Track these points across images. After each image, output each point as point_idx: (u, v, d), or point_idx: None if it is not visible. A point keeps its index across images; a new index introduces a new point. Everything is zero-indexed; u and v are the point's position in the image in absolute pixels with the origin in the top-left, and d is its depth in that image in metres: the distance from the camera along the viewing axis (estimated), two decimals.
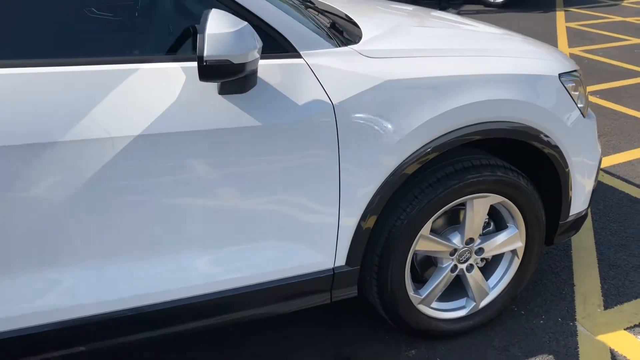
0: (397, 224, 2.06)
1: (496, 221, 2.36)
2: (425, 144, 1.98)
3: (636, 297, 2.67)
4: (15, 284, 1.67)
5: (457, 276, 2.33)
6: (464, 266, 2.30)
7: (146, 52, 1.83)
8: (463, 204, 2.20)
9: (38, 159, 1.56)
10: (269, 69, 1.78)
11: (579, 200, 2.44)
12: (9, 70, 1.55)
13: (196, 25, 1.77)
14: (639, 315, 2.55)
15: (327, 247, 1.99)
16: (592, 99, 5.31)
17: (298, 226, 1.92)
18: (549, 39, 7.74)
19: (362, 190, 1.94)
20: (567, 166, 2.29)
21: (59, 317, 1.73)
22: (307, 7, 2.35)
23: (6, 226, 1.61)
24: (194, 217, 1.79)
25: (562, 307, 2.60)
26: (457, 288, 2.37)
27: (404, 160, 1.96)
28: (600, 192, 3.61)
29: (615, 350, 2.36)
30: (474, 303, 2.37)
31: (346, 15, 2.48)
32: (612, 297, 2.68)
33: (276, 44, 1.82)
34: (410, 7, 3.30)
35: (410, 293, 2.22)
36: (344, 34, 2.15)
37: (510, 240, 2.33)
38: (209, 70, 1.55)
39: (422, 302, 2.26)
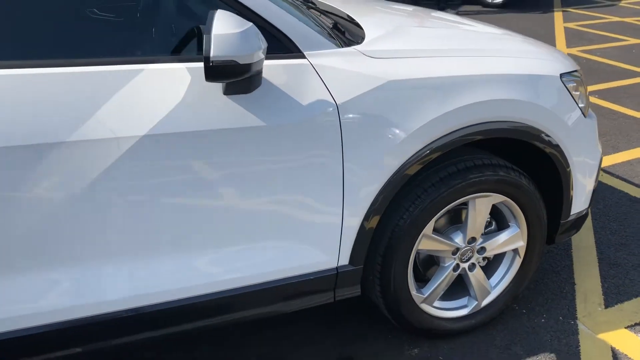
0: (400, 223, 2.07)
1: (498, 220, 2.38)
2: (428, 144, 1.99)
3: (636, 296, 2.69)
4: (18, 284, 1.68)
5: (459, 275, 2.34)
6: (466, 265, 2.31)
7: (151, 52, 1.84)
8: (465, 204, 2.21)
9: (45, 159, 1.56)
10: (273, 69, 1.79)
11: (580, 200, 2.46)
12: (16, 71, 1.56)
13: (200, 26, 1.79)
14: None
15: (330, 246, 2.00)
16: (590, 99, 5.32)
17: (302, 226, 1.93)
18: (547, 39, 7.75)
19: (366, 190, 1.96)
20: (568, 166, 2.30)
21: (62, 317, 1.73)
22: (309, 7, 2.36)
23: (11, 225, 1.61)
24: (198, 217, 1.80)
25: (563, 306, 2.62)
26: (459, 287, 2.38)
27: (407, 160, 1.97)
28: (600, 191, 3.62)
29: (617, 348, 2.37)
30: (476, 302, 2.38)
31: (348, 15, 2.49)
32: (613, 295, 2.69)
33: (280, 45, 1.83)
34: (410, 8, 3.31)
35: (413, 292, 2.24)
36: (347, 35, 2.16)
37: (512, 240, 2.34)
38: (215, 71, 1.56)
39: (424, 301, 2.28)
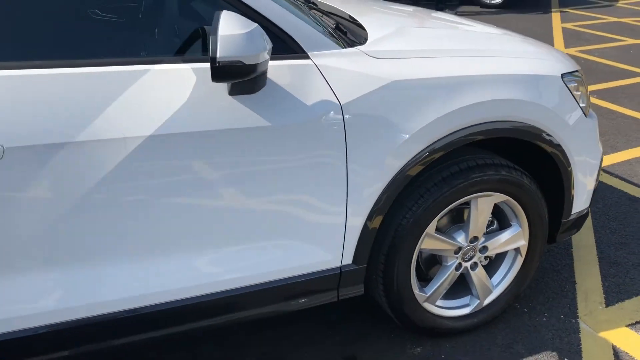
0: (403, 222, 2.08)
1: (499, 220, 2.39)
2: (431, 144, 2.01)
3: (637, 294, 2.71)
4: (22, 284, 1.68)
5: (462, 274, 2.35)
6: (468, 264, 2.33)
7: (158, 53, 1.85)
8: (467, 203, 2.22)
9: (53, 158, 1.57)
10: (277, 69, 1.80)
11: (581, 199, 2.47)
12: (27, 72, 1.57)
13: (205, 26, 1.80)
14: None
15: (334, 245, 2.01)
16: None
17: (306, 225, 1.94)
18: (545, 39, 7.77)
19: (369, 189, 1.97)
20: (569, 165, 2.32)
21: (66, 317, 1.74)
22: (310, 8, 2.38)
23: (17, 225, 1.62)
24: (203, 217, 1.81)
25: (564, 305, 2.63)
26: (461, 286, 2.39)
27: (410, 160, 1.99)
28: (599, 191, 3.64)
29: (618, 346, 2.39)
30: (478, 301, 2.39)
31: (350, 16, 2.50)
32: (613, 294, 2.71)
33: (284, 45, 1.84)
34: (410, 8, 3.33)
35: (416, 291, 2.25)
36: (350, 35, 2.17)
37: (513, 239, 2.36)
38: (221, 71, 1.57)
39: (427, 300, 2.29)
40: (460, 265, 2.31)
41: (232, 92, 1.71)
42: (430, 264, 2.36)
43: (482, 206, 2.22)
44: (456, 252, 2.28)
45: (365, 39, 2.14)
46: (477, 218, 2.23)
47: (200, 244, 1.85)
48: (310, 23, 1.97)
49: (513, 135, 2.17)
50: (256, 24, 1.63)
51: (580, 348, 2.38)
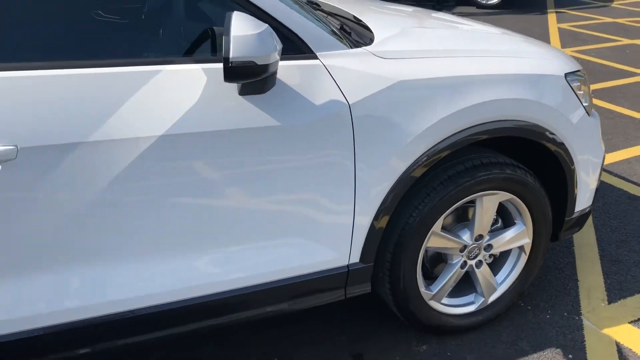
0: (410, 221, 2.10)
1: (504, 218, 2.41)
2: (437, 143, 2.02)
3: (639, 292, 2.73)
4: (35, 285, 1.69)
5: (466, 272, 2.37)
6: (473, 262, 2.35)
7: (169, 54, 1.86)
8: (472, 202, 2.24)
9: (65, 159, 1.58)
10: (286, 70, 1.81)
11: (584, 197, 2.50)
12: (39, 72, 1.58)
13: (214, 27, 1.82)
14: None
15: (342, 244, 2.03)
16: None
17: (315, 224, 1.95)
18: (542, 39, 7.75)
19: (377, 188, 1.99)
20: (572, 163, 2.34)
21: (73, 318, 1.75)
22: (315, 9, 2.39)
23: (31, 225, 1.63)
24: (213, 216, 1.82)
25: (567, 302, 2.66)
26: (466, 284, 2.41)
27: (416, 159, 2.00)
28: (600, 189, 3.66)
29: (621, 343, 2.41)
30: (483, 299, 2.41)
31: (354, 16, 2.52)
32: (616, 291, 2.73)
33: (293, 46, 1.85)
34: (409, 9, 3.35)
35: (422, 289, 2.27)
36: (355, 36, 2.19)
37: (518, 237, 2.38)
38: (234, 72, 1.58)
39: (433, 298, 2.31)
40: (465, 263, 2.33)
41: (242, 92, 1.73)
42: (436, 262, 2.39)
43: (487, 204, 2.24)
44: (461, 250, 2.30)
45: (371, 39, 2.16)
46: (482, 216, 2.26)
47: (210, 243, 1.86)
48: (317, 24, 1.98)
49: (518, 135, 2.19)
50: (267, 25, 1.65)
51: (584, 345, 2.40)
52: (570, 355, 2.35)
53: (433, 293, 2.30)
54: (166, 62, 1.72)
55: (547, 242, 2.47)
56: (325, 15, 2.39)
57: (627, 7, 10.92)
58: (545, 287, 2.75)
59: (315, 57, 1.88)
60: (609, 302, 2.66)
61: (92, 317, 1.77)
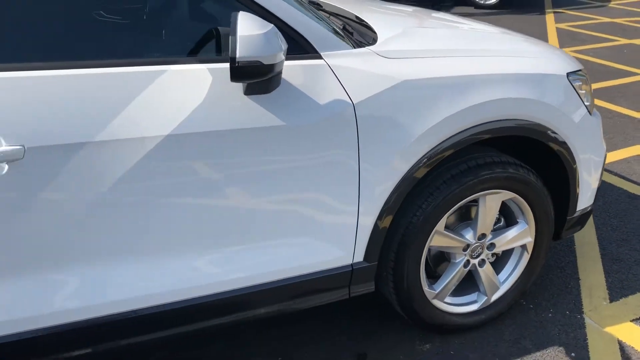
0: (414, 220, 2.11)
1: (506, 217, 2.42)
2: (441, 142, 2.03)
3: None
4: (39, 285, 1.70)
5: (469, 271, 2.38)
6: (476, 261, 2.36)
7: (174, 54, 1.86)
8: (475, 201, 2.25)
9: (71, 159, 1.59)
10: (291, 69, 1.82)
11: (585, 196, 2.51)
12: (45, 73, 1.58)
13: (219, 27, 1.82)
14: None
15: (346, 243, 2.03)
16: None
17: (319, 223, 1.96)
18: (541, 39, 7.82)
19: (381, 187, 1.99)
20: (574, 162, 2.36)
21: (79, 317, 1.75)
22: (318, 9, 2.40)
23: (38, 224, 1.63)
24: (218, 215, 1.83)
25: (569, 301, 2.67)
26: (468, 283, 2.42)
27: (420, 158, 2.01)
28: (599, 189, 3.68)
29: (623, 341, 2.42)
30: (486, 297, 2.42)
31: (356, 16, 2.53)
32: (617, 290, 2.75)
33: (297, 46, 1.86)
34: (409, 9, 3.36)
35: (425, 288, 2.28)
36: (359, 36, 2.20)
37: (520, 236, 2.39)
38: (240, 71, 1.59)
39: (436, 296, 2.32)
40: (468, 262, 2.34)
41: (248, 92, 1.74)
42: (439, 261, 2.39)
43: (490, 203, 2.25)
44: (464, 249, 2.31)
45: (374, 39, 2.17)
46: (485, 215, 2.27)
47: (215, 243, 1.86)
48: (321, 23, 1.99)
49: (521, 134, 2.20)
50: (272, 25, 1.65)
51: (587, 343, 2.41)
52: (572, 354, 2.36)
53: (436, 292, 2.31)
54: (172, 62, 1.73)
55: (550, 240, 2.48)
56: (328, 15, 2.40)
57: (625, 7, 10.94)
58: (547, 285, 2.76)
59: (320, 57, 1.89)
60: (611, 301, 2.67)
61: (97, 317, 1.77)
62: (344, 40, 1.99)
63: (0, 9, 1.66)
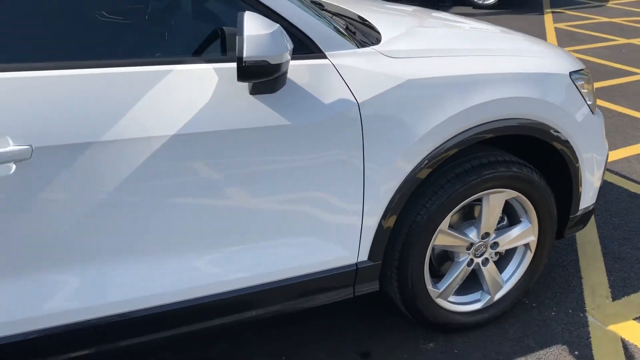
0: (418, 219, 2.11)
1: (509, 216, 2.43)
2: (445, 142, 2.04)
3: None
4: (44, 285, 1.70)
5: (473, 270, 2.39)
6: (479, 260, 2.36)
7: (180, 54, 1.87)
8: (478, 200, 2.26)
9: (79, 158, 1.59)
10: (296, 69, 1.82)
11: (588, 195, 2.52)
12: (52, 73, 1.59)
13: (224, 27, 1.83)
14: None
15: (351, 242, 2.04)
16: None
17: (324, 222, 1.97)
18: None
19: (385, 186, 2.00)
20: (577, 161, 2.36)
21: (88, 316, 1.76)
22: (321, 9, 2.41)
23: (45, 224, 1.64)
24: (225, 214, 1.83)
25: (572, 299, 2.67)
26: (472, 282, 2.43)
27: (424, 157, 2.02)
28: (601, 188, 3.69)
29: (626, 339, 2.43)
30: (489, 296, 2.43)
31: (359, 16, 2.54)
32: (619, 288, 2.76)
33: (302, 45, 1.86)
34: (409, 8, 3.36)
35: (429, 287, 2.28)
36: (362, 36, 2.20)
37: (524, 234, 2.40)
38: (247, 71, 1.59)
39: (440, 295, 2.32)
40: (472, 261, 2.35)
41: (253, 91, 1.74)
42: (442, 260, 2.40)
43: (493, 202, 2.26)
44: (468, 248, 2.32)
45: (377, 39, 2.18)
46: (488, 214, 2.27)
47: (220, 243, 1.87)
48: (325, 23, 2.00)
49: (525, 133, 2.21)
50: (278, 25, 1.66)
51: (590, 341, 2.42)
52: (576, 352, 2.36)
53: (440, 291, 2.31)
54: (178, 62, 1.73)
55: (553, 239, 2.49)
56: (331, 15, 2.40)
57: (623, 7, 10.97)
58: (550, 284, 2.77)
59: (325, 57, 1.89)
60: (613, 299, 2.68)
61: (100, 317, 1.77)
62: (348, 40, 2.00)
63: (7, 10, 1.66)
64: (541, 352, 2.36)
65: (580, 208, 2.52)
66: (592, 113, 2.43)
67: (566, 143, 2.30)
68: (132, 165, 1.65)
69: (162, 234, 1.78)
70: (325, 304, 2.15)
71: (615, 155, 4.22)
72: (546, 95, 2.21)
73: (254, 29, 1.59)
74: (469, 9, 10.20)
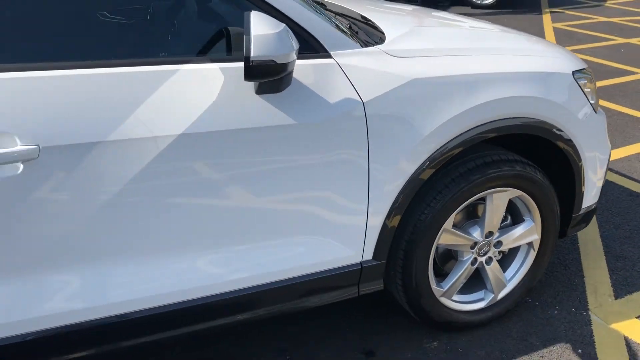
0: (422, 218, 2.12)
1: (512, 215, 2.43)
2: (449, 141, 2.04)
3: None
4: (50, 285, 1.70)
5: (476, 269, 2.39)
6: (483, 259, 2.37)
7: (186, 54, 1.87)
8: (482, 199, 2.26)
9: (86, 158, 1.59)
10: (301, 69, 1.83)
11: (591, 194, 2.53)
12: (59, 73, 1.59)
13: (229, 27, 1.83)
14: None
15: (356, 241, 2.04)
16: None
17: (330, 221, 1.97)
18: None
19: (390, 186, 2.00)
20: (580, 160, 2.37)
21: (94, 316, 1.76)
22: (324, 8, 2.41)
23: (54, 224, 1.64)
24: (231, 214, 1.83)
25: (574, 298, 2.68)
26: (475, 280, 2.43)
27: (428, 156, 2.02)
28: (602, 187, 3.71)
29: (630, 338, 2.44)
30: (493, 295, 2.43)
31: (361, 16, 2.54)
32: (622, 287, 2.76)
33: (307, 45, 1.87)
34: (409, 7, 3.37)
35: (433, 286, 2.29)
36: (366, 35, 2.20)
37: (527, 233, 2.40)
38: (255, 70, 1.60)
39: (444, 294, 2.33)
40: (475, 260, 2.35)
41: (259, 91, 1.75)
42: (446, 259, 2.40)
43: (497, 201, 2.26)
44: (472, 247, 2.32)
45: (380, 39, 2.18)
46: (492, 213, 2.28)
47: (228, 242, 1.87)
48: (330, 23, 2.00)
49: (529, 132, 2.21)
50: (284, 25, 1.66)
51: (593, 340, 2.43)
52: (579, 350, 2.37)
53: (444, 290, 2.32)
54: (184, 61, 1.74)
55: (556, 238, 2.49)
56: (334, 14, 2.41)
57: (621, 7, 11.00)
58: (552, 283, 2.78)
59: (329, 56, 1.90)
60: (616, 298, 2.69)
61: (107, 317, 1.78)
62: (352, 40, 2.00)
63: (17, 10, 1.66)
64: (545, 350, 2.37)
65: (582, 207, 2.52)
66: (595, 112, 2.44)
67: (569, 142, 2.31)
68: (139, 165, 1.66)
69: (169, 234, 1.78)
70: (329, 303, 2.15)
71: (616, 154, 4.23)
72: (550, 94, 2.22)
73: (261, 29, 1.59)
74: (467, 9, 10.21)
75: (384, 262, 2.14)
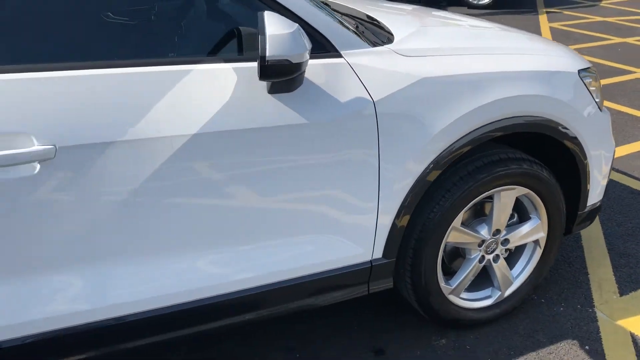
0: (431, 216, 2.13)
1: (519, 213, 2.45)
2: (457, 140, 2.06)
3: None
4: (59, 284, 1.71)
5: (483, 266, 2.41)
6: (490, 257, 2.39)
7: (198, 53, 1.88)
8: (489, 197, 2.28)
9: (101, 157, 1.60)
10: (313, 68, 1.84)
11: (595, 191, 2.55)
12: (75, 73, 1.60)
13: (240, 27, 1.84)
14: None
15: (366, 239, 2.06)
16: None
17: (340, 220, 1.98)
18: None
19: (400, 184, 2.02)
20: (585, 158, 2.39)
21: (97, 317, 1.77)
22: (332, 9, 2.42)
23: (69, 223, 1.65)
24: (243, 213, 1.84)
25: (580, 295, 2.70)
26: (482, 278, 2.45)
27: (438, 155, 2.04)
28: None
29: (636, 334, 2.46)
30: (500, 292, 2.45)
31: (367, 16, 2.56)
32: (626, 284, 2.79)
33: (318, 45, 1.88)
34: (409, 7, 3.38)
35: (442, 284, 2.30)
36: (373, 35, 2.22)
37: (533, 231, 2.42)
38: (270, 70, 1.61)
39: (452, 292, 2.34)
40: (483, 257, 2.37)
41: (272, 90, 1.76)
42: (453, 257, 2.42)
43: (504, 199, 2.28)
44: (479, 245, 2.34)
45: (388, 38, 2.19)
46: (500, 211, 2.30)
47: (239, 241, 1.88)
48: (340, 23, 2.01)
49: (536, 130, 2.23)
50: (297, 25, 1.68)
51: (600, 336, 2.45)
52: (586, 347, 2.39)
53: (452, 287, 2.34)
54: (197, 61, 1.75)
55: (562, 236, 2.51)
56: (341, 14, 2.42)
57: (616, 7, 11.05)
58: (557, 280, 2.80)
59: (340, 56, 1.91)
60: (621, 294, 2.71)
61: (117, 317, 1.78)
62: (362, 39, 2.02)
63: (34, 10, 1.67)
64: (552, 347, 2.39)
65: (587, 204, 2.55)
66: (600, 110, 2.46)
67: (575, 140, 2.33)
68: (153, 165, 1.67)
69: (182, 233, 1.79)
70: (339, 301, 2.17)
71: (616, 153, 4.24)
72: (557, 93, 2.24)
73: (276, 29, 1.60)
74: (464, 9, 10.24)
75: (393, 260, 2.16)
